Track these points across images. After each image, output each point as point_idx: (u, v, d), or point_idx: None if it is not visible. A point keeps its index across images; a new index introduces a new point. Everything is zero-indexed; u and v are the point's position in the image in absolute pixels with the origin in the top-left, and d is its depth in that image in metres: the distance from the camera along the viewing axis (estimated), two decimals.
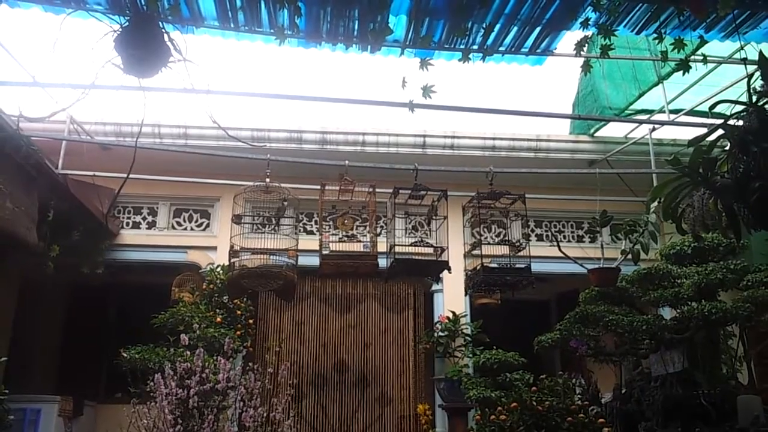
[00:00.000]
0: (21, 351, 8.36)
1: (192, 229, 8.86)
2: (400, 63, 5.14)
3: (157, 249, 8.65)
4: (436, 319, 8.72)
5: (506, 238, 8.04)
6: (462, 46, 5.02)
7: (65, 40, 4.44)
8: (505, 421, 6.11)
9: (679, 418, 5.94)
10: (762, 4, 4.77)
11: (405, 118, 11.76)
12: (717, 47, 5.83)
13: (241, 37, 5.02)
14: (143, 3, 4.15)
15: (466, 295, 7.98)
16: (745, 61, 4.92)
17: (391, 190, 6.15)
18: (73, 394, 8.09)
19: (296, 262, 6.17)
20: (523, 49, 5.25)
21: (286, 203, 6.40)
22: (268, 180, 6.17)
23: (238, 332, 7.88)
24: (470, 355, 8.36)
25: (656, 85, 7.65)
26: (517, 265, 6.21)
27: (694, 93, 7.49)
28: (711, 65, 6.41)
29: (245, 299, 8.04)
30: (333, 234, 6.47)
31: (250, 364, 6.32)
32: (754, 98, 2.96)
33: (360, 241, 6.32)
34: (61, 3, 4.57)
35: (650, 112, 8.24)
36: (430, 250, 6.27)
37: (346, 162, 6.27)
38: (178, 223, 8.85)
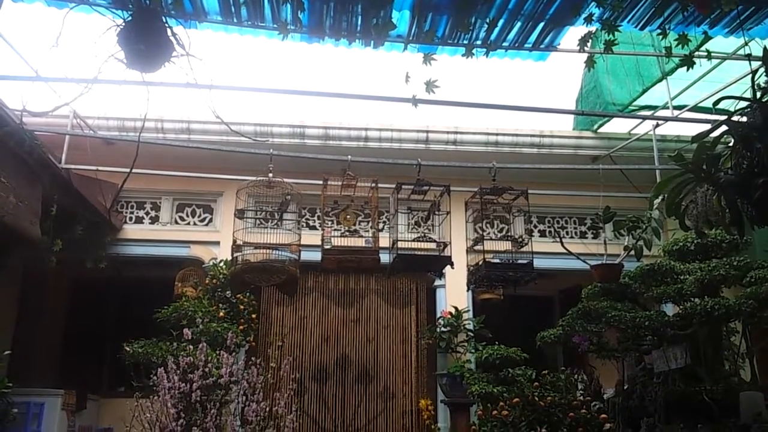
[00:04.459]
0: (24, 345, 8.40)
1: (195, 223, 8.87)
2: (403, 58, 5.14)
3: (160, 244, 8.67)
4: (438, 315, 8.73)
5: (509, 233, 8.05)
6: (465, 42, 5.01)
7: (68, 34, 4.44)
8: (507, 417, 6.11)
9: (682, 414, 5.94)
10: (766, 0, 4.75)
11: (408, 114, 11.80)
12: (721, 43, 5.82)
13: (244, 31, 5.02)
14: None
15: (468, 290, 7.98)
16: (749, 57, 4.92)
17: (393, 186, 6.15)
18: (76, 388, 8.12)
19: (299, 257, 6.18)
20: (526, 45, 5.24)
21: (288, 198, 6.40)
22: (270, 175, 6.17)
23: (241, 327, 7.90)
24: (472, 351, 8.37)
25: (660, 81, 7.63)
26: (520, 261, 6.20)
27: (697, 89, 7.47)
28: (715, 61, 6.37)
29: (248, 294, 8.06)
30: (335, 229, 6.48)
31: (253, 358, 6.32)
32: (758, 94, 2.95)
33: (362, 236, 6.32)
34: None
35: (654, 108, 8.22)
36: (433, 245, 6.27)
37: (349, 157, 6.27)
38: (181, 218, 8.87)
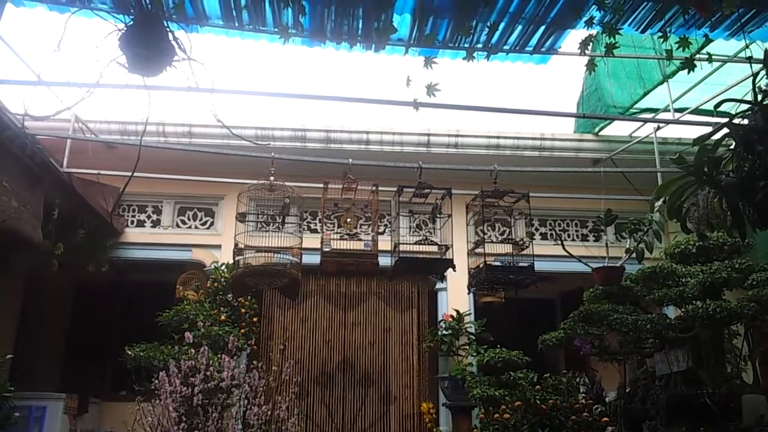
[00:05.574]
0: (26, 349, 8.40)
1: (196, 227, 8.87)
2: (404, 62, 5.15)
3: (162, 247, 8.67)
4: (440, 318, 8.72)
5: (510, 236, 8.07)
6: (466, 45, 5.01)
7: (70, 39, 4.45)
8: (509, 420, 6.11)
9: (684, 417, 5.92)
10: (767, 2, 4.75)
11: (409, 117, 11.79)
12: (722, 46, 5.82)
13: (246, 36, 5.02)
14: (148, 2, 4.16)
15: (469, 293, 7.99)
16: (750, 59, 4.91)
17: (395, 189, 6.15)
18: (78, 392, 8.12)
19: (300, 260, 6.18)
20: (527, 48, 5.24)
21: (289, 201, 6.41)
22: (272, 178, 6.18)
23: (243, 330, 7.90)
24: (474, 354, 8.37)
25: (661, 83, 7.62)
26: (521, 264, 6.20)
27: (699, 92, 7.46)
28: (716, 64, 6.38)
29: (249, 297, 8.05)
30: (336, 232, 6.48)
31: (255, 362, 6.33)
32: (759, 97, 2.95)
33: (361, 240, 6.32)
34: (66, 2, 4.58)
35: (655, 110, 8.22)
36: (435, 248, 6.27)
37: (350, 160, 6.27)
38: (183, 222, 8.87)
